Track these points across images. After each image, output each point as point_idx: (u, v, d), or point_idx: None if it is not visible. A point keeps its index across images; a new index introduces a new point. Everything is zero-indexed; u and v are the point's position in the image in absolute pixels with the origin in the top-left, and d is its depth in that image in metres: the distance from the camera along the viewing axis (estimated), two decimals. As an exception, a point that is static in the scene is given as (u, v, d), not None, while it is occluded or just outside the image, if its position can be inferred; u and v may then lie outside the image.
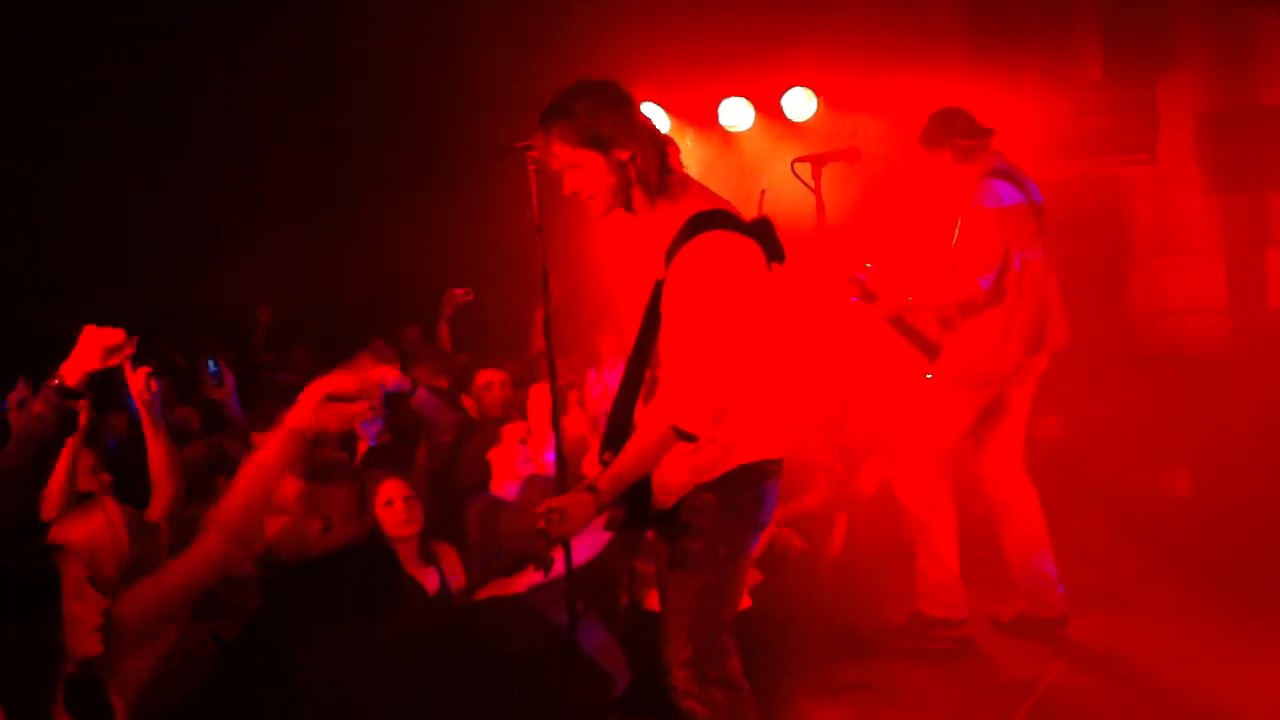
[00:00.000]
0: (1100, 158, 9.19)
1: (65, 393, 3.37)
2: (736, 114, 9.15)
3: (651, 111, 7.74)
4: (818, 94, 8.94)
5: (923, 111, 5.90)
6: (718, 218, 3.58)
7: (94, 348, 3.41)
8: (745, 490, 3.71)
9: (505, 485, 5.55)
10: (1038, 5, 9.31)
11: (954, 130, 5.72)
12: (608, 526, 3.75)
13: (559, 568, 4.57)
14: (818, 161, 5.69)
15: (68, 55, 9.64)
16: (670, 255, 3.58)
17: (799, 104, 8.93)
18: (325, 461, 3.85)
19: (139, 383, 4.48)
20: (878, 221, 7.78)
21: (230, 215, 10.74)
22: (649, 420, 3.59)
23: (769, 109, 9.14)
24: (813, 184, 5.68)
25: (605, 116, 3.58)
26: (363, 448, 6.23)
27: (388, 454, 6.13)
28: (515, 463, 5.66)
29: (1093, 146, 9.13)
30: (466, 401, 6.70)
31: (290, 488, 3.70)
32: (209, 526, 3.22)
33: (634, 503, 3.67)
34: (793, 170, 5.68)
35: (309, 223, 10.66)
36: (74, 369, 3.39)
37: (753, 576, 5.45)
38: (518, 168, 4.61)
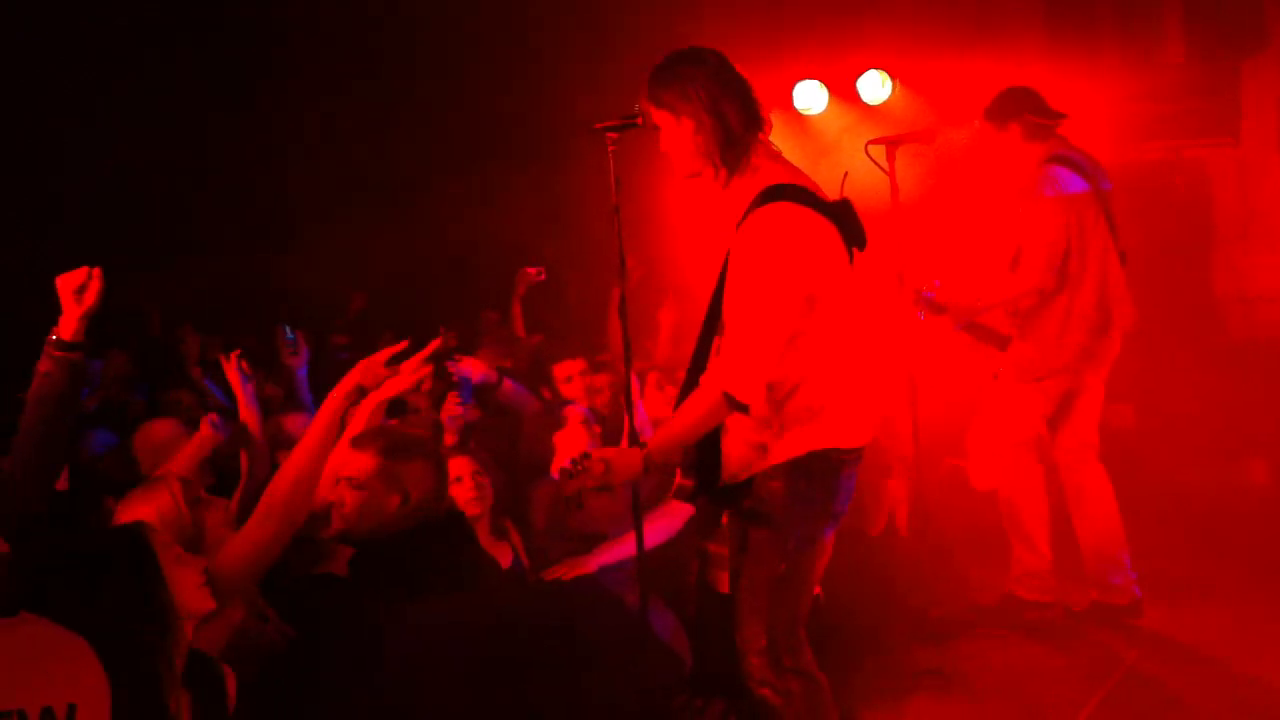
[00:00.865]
0: (1182, 140, 9.04)
1: (64, 346, 3.44)
2: (810, 97, 9.09)
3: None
4: (892, 76, 8.86)
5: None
6: (788, 190, 3.59)
7: (67, 294, 3.46)
8: (815, 479, 3.67)
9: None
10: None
11: (1025, 106, 5.72)
12: (676, 495, 3.77)
13: (630, 549, 4.59)
14: (892, 144, 5.64)
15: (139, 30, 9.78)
16: (740, 225, 3.63)
17: (874, 86, 8.85)
18: (403, 438, 3.91)
19: (233, 371, 4.70)
20: (952, 204, 7.71)
21: (304, 197, 10.82)
22: (703, 385, 3.61)
23: (843, 92, 9.07)
24: (886, 166, 5.64)
25: (670, 85, 3.68)
26: (449, 440, 6.26)
27: (477, 433, 6.14)
28: (580, 447, 5.67)
29: (1174, 129, 8.98)
30: (546, 391, 6.71)
31: (368, 464, 3.77)
32: (259, 509, 3.31)
33: (703, 474, 3.70)
34: (866, 153, 5.63)
35: (388, 204, 10.72)
36: (64, 321, 3.47)
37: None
38: (596, 146, 4.62)
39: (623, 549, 4.88)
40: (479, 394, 6.42)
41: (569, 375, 6.55)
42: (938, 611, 5.85)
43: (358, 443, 3.86)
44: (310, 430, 3.49)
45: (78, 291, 3.46)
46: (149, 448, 5.13)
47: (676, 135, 3.69)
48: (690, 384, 3.74)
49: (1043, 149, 5.71)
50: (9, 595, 2.69)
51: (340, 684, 3.41)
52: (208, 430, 4.67)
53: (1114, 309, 5.75)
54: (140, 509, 3.60)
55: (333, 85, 10.63)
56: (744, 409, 3.54)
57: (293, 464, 3.44)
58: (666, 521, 5.03)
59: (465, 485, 4.73)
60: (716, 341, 3.72)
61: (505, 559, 4.78)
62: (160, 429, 5.24)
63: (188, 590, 2.86)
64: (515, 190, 10.27)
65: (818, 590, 5.39)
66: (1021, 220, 5.69)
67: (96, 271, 3.48)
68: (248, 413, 4.93)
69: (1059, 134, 5.76)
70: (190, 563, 2.92)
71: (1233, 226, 9.01)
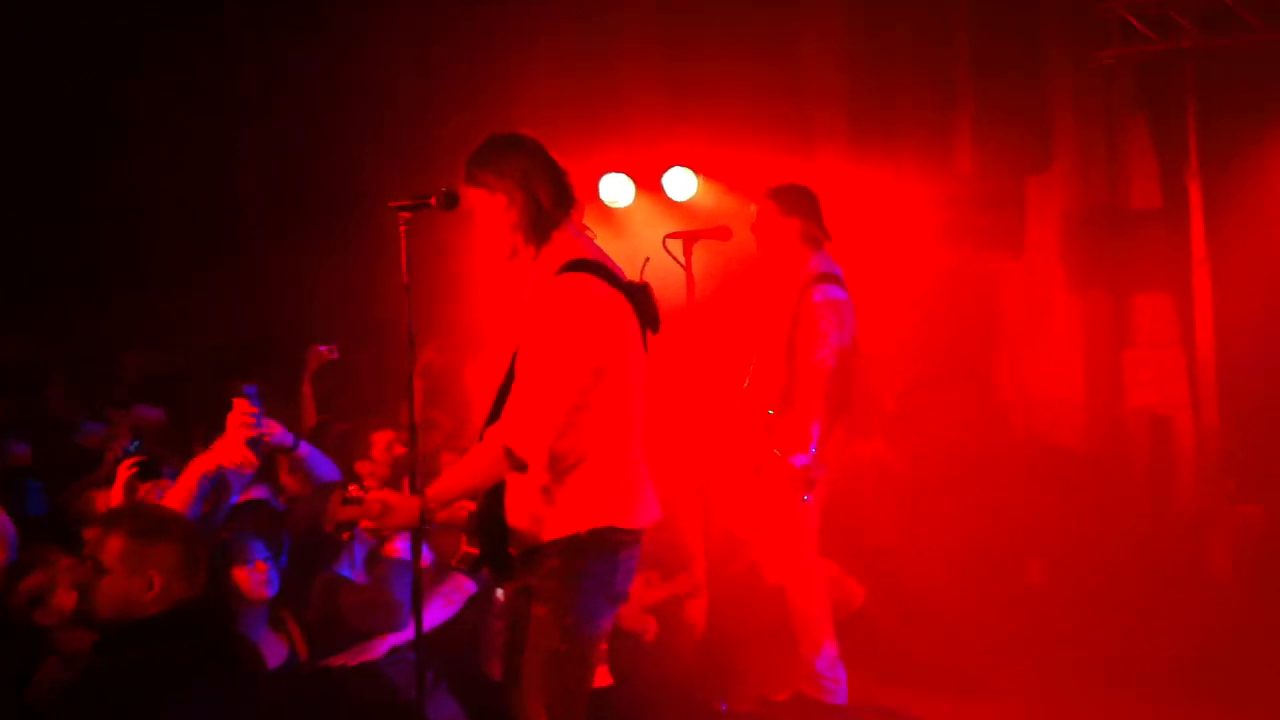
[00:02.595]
0: (970, 250, 9.40)
1: None
2: (617, 190, 9.17)
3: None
4: (699, 173, 9.02)
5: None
6: (589, 264, 3.74)
7: None
8: (593, 557, 3.71)
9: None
10: (916, 96, 9.54)
11: (810, 211, 5.89)
12: (459, 563, 3.84)
13: (409, 634, 4.48)
14: (689, 238, 5.73)
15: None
16: (539, 291, 3.74)
17: (680, 182, 8.99)
18: (154, 517, 3.71)
19: None
20: (749, 300, 7.85)
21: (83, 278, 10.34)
22: (485, 439, 3.70)
23: (651, 186, 9.18)
24: (684, 260, 5.72)
25: (486, 163, 3.83)
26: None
27: (251, 511, 5.90)
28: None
29: (963, 239, 9.34)
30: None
31: (114, 544, 3.56)
32: None
33: (488, 545, 3.76)
34: (664, 246, 5.71)
35: (174, 283, 10.34)
36: None
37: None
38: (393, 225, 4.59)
39: (409, 633, 4.77)
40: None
41: (388, 443, 6.47)
42: (727, 706, 5.84)
43: (105, 521, 3.67)
44: None
45: None
46: None
47: (490, 211, 3.81)
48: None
49: (815, 260, 5.86)
50: None
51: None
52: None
53: (857, 422, 5.93)
54: None
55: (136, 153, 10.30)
56: (523, 467, 3.61)
57: None
58: (444, 601, 4.99)
59: (258, 569, 4.57)
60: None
61: (279, 650, 4.61)
62: None
63: None
64: (307, 268, 10.02)
65: (610, 680, 5.39)
66: (792, 327, 5.83)
67: None
68: None
69: (827, 252, 5.93)
70: None
71: (1017, 334, 9.37)
